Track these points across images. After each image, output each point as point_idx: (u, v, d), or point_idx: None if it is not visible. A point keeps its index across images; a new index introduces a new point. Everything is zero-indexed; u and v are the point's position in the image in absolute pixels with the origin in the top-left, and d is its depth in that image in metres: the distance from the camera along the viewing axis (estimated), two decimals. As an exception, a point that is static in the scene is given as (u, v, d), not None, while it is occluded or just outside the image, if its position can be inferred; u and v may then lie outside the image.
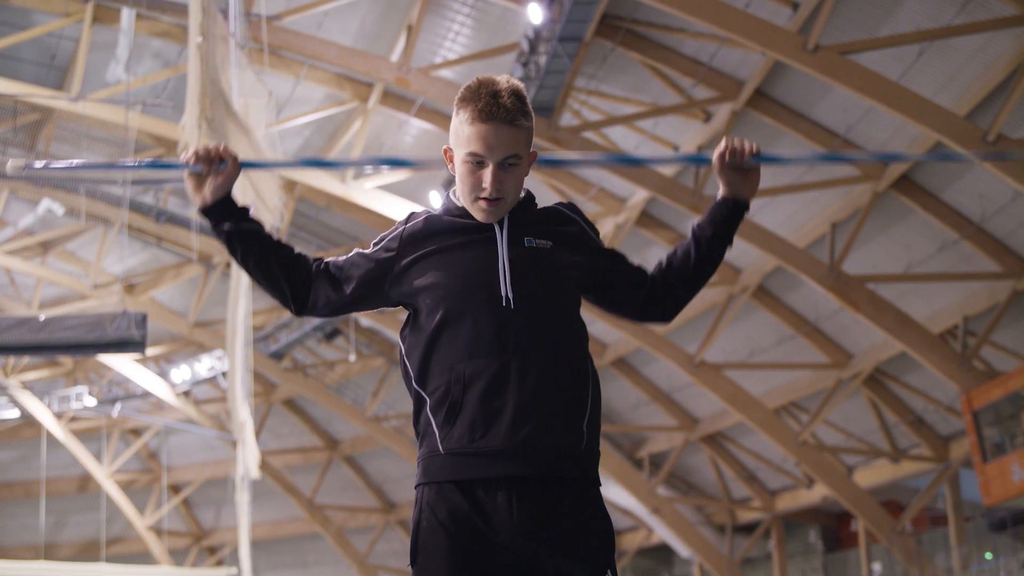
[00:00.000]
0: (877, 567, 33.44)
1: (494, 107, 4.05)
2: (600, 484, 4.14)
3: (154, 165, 4.94)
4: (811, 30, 21.36)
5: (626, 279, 4.29)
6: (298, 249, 4.26)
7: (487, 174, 4.06)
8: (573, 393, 4.08)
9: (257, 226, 4.26)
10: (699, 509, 38.54)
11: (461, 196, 4.18)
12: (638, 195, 29.03)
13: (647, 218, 29.87)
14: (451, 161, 4.18)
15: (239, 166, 4.23)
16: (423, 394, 4.10)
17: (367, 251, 4.25)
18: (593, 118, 27.79)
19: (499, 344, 4.02)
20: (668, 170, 27.57)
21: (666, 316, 4.35)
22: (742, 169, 4.31)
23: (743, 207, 4.33)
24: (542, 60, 25.09)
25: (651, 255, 31.16)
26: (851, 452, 32.61)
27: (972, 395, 26.07)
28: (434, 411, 4.07)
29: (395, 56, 27.79)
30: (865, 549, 34.01)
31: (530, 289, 4.08)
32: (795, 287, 29.25)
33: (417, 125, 31.21)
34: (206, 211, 4.22)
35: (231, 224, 4.22)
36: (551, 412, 4.01)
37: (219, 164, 4.19)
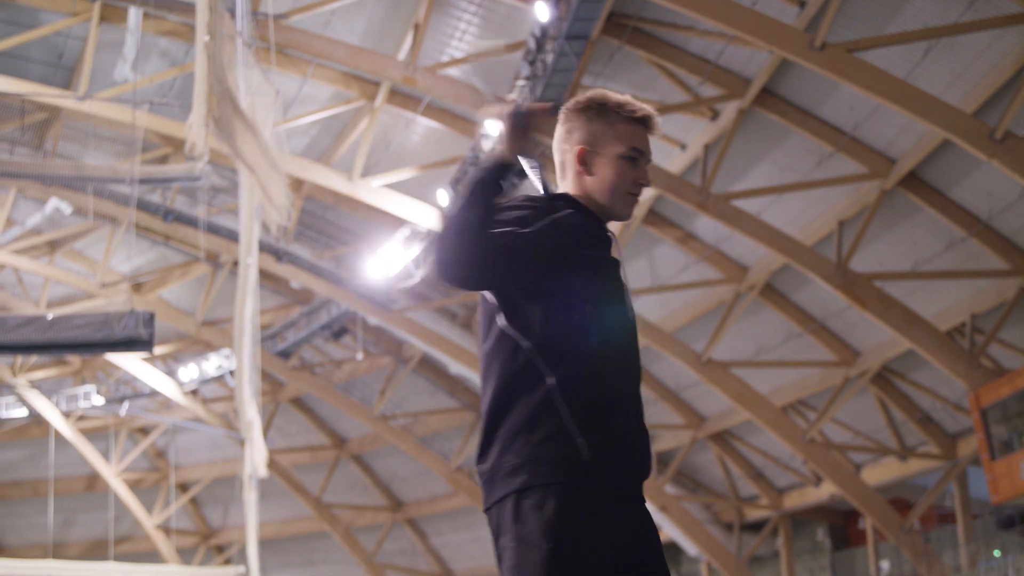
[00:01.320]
0: (885, 565, 33.41)
1: (645, 112, 4.34)
2: (522, 491, 3.99)
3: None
4: (818, 28, 21.35)
5: None
6: None
7: (643, 169, 4.36)
8: None
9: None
10: (707, 507, 38.52)
11: (606, 193, 4.32)
12: (645, 193, 28.90)
13: (654, 216, 29.85)
14: (583, 163, 4.32)
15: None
16: None
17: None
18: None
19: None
20: (675, 168, 27.56)
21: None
22: None
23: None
24: (549, 58, 25.07)
25: (658, 253, 31.17)
26: (859, 450, 32.58)
27: (980, 392, 26.04)
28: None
29: (402, 55, 27.80)
30: (873, 547, 33.99)
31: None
32: (803, 285, 29.22)
33: (424, 123, 31.21)
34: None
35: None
36: None
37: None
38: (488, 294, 4.13)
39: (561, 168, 4.36)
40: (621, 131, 4.27)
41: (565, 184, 4.34)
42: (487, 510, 4.06)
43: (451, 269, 3.86)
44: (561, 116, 4.37)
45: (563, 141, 4.33)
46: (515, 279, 4.03)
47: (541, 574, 3.85)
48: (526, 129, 4.04)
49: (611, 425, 4.02)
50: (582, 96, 4.35)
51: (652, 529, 4.11)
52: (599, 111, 4.28)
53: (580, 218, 4.19)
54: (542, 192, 4.26)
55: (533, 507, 3.92)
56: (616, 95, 4.33)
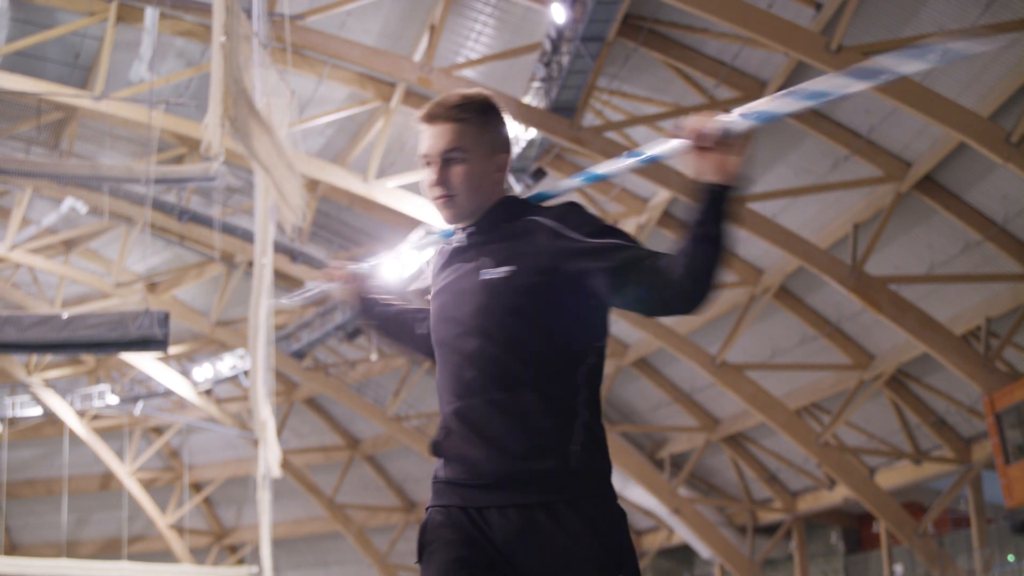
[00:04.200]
0: (899, 569, 33.35)
1: (421, 112, 4.26)
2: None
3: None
4: (834, 30, 21.33)
5: None
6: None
7: (429, 172, 4.24)
8: None
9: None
10: (720, 510, 38.49)
11: None
12: (660, 195, 29.01)
13: (669, 218, 29.83)
14: None
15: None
16: None
17: None
18: (615, 118, 27.77)
19: None
20: (689, 170, 27.48)
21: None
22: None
23: (711, 189, 3.94)
24: (564, 60, 25.08)
25: (673, 255, 31.11)
26: (873, 453, 32.53)
27: (995, 396, 25.98)
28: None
29: (417, 56, 27.82)
30: (887, 551, 33.93)
31: None
32: (817, 288, 29.18)
33: (439, 125, 31.18)
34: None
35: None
36: None
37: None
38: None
39: None
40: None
41: None
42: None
43: (707, 298, 3.91)
44: None
45: None
46: None
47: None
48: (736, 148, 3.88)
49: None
50: None
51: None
52: None
53: None
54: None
55: (600, 518, 4.07)
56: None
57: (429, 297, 4.36)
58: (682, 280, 3.83)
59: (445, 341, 4.21)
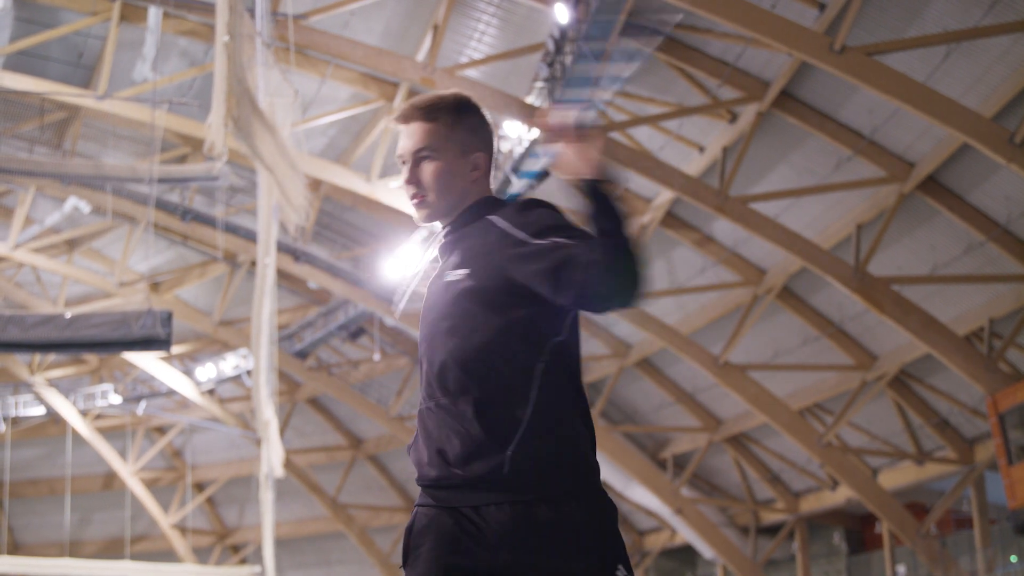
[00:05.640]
0: (901, 569, 33.35)
1: (398, 111, 4.28)
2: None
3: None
4: (838, 31, 21.31)
5: None
6: None
7: (404, 173, 4.27)
8: None
9: None
10: (723, 510, 38.47)
11: None
12: (663, 195, 28.99)
13: (672, 219, 29.84)
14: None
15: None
16: None
17: None
18: (619, 118, 27.77)
19: None
20: (693, 170, 27.54)
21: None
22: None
23: (586, 185, 3.92)
24: (568, 60, 25.06)
25: (676, 256, 31.16)
26: (875, 454, 32.53)
27: (997, 397, 25.97)
28: None
29: (421, 56, 27.81)
30: (889, 551, 33.92)
31: None
32: (820, 288, 29.18)
33: (442, 125, 31.19)
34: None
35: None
36: None
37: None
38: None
39: None
40: None
41: None
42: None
43: (635, 288, 3.83)
44: None
45: None
46: None
47: None
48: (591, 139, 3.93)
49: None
50: None
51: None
52: None
53: None
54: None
55: (587, 515, 4.04)
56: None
57: None
58: (605, 277, 3.79)
59: (420, 341, 4.24)
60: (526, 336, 4.03)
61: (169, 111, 29.43)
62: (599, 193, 3.85)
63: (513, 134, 27.55)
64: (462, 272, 4.08)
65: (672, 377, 35.73)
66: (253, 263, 32.79)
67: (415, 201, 4.23)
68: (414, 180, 4.20)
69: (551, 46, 25.64)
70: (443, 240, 4.27)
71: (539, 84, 26.36)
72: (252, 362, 30.47)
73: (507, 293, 4.01)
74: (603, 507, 4.03)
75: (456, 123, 4.22)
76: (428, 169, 4.19)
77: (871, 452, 32.44)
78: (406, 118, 4.22)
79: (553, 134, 3.92)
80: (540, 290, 3.93)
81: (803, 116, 25.38)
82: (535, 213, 4.07)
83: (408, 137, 4.21)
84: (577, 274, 3.82)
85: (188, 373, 43.98)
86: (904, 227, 26.20)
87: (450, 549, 4.02)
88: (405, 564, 4.18)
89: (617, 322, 33.49)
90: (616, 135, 27.43)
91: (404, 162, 4.23)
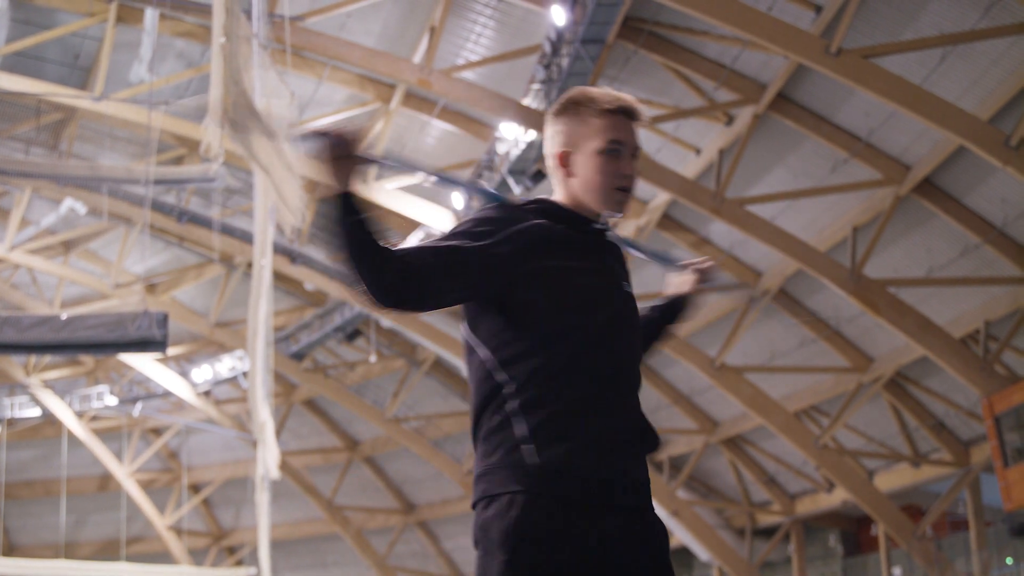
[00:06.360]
0: (897, 571, 33.35)
1: (621, 103, 4.22)
2: (484, 499, 4.06)
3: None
4: (834, 33, 21.32)
5: None
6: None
7: (627, 161, 4.23)
8: None
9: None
10: (719, 512, 38.48)
11: (591, 193, 4.23)
12: (660, 198, 29.00)
13: (668, 221, 29.85)
14: (564, 166, 4.27)
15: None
16: None
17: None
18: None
19: None
20: (690, 172, 27.55)
21: None
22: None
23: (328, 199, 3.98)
24: (564, 62, 25.08)
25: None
26: (871, 456, 32.53)
27: (993, 399, 25.98)
28: None
29: (417, 57, 27.82)
30: (885, 553, 33.91)
31: None
32: (816, 290, 29.19)
33: (439, 127, 31.24)
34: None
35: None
36: None
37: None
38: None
39: (551, 174, 4.32)
40: (596, 125, 4.18)
41: (557, 190, 4.30)
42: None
43: (379, 298, 3.87)
44: (545, 121, 4.33)
45: (548, 147, 4.30)
46: (451, 295, 4.00)
47: None
48: (343, 158, 3.88)
49: (574, 433, 3.96)
50: (561, 97, 4.30)
51: (639, 539, 4.03)
52: (573, 110, 4.23)
53: (546, 228, 4.11)
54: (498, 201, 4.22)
55: (494, 516, 3.93)
56: (593, 90, 4.27)
57: None
58: (357, 285, 3.88)
59: (627, 347, 4.31)
60: (502, 340, 4.14)
61: (166, 112, 29.41)
62: (330, 211, 3.85)
63: (510, 136, 27.59)
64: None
65: (668, 379, 35.71)
66: (249, 265, 32.73)
67: (630, 195, 4.28)
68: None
69: (547, 48, 25.68)
70: (609, 238, 4.34)
71: (535, 86, 26.40)
72: (248, 364, 30.46)
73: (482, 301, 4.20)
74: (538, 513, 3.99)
75: None
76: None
77: (867, 454, 32.44)
78: (640, 117, 4.27)
79: (318, 145, 3.90)
80: None
81: (799, 118, 25.40)
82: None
83: (636, 134, 4.24)
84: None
85: (184, 375, 43.98)
86: (900, 229, 26.22)
87: None
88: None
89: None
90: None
91: (633, 155, 4.25)
